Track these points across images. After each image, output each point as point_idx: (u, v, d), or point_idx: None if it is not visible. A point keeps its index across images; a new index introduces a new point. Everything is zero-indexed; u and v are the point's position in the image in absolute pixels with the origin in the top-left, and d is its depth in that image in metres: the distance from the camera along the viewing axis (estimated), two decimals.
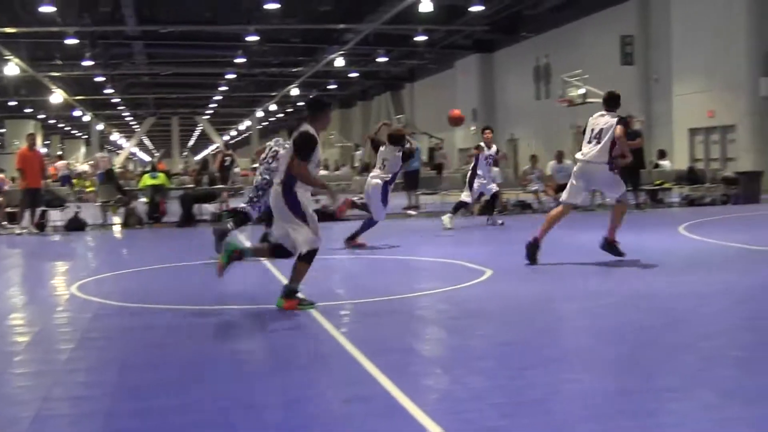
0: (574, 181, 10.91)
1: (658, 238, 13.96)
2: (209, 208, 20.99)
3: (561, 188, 21.61)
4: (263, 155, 13.03)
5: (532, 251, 10.61)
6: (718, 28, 33.46)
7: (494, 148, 17.80)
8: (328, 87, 62.39)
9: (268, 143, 13.45)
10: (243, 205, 12.59)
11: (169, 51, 44.62)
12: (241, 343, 6.83)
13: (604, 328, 6.86)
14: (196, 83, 58.28)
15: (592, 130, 10.68)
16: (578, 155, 10.93)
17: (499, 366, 5.70)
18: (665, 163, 24.98)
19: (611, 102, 10.91)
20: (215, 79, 55.03)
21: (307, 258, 7.75)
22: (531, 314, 7.50)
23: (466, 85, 54.25)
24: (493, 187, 17.60)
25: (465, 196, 17.37)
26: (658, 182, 23.08)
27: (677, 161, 27.50)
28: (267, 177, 12.19)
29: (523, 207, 22.01)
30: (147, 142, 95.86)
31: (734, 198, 21.86)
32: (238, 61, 42.82)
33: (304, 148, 7.82)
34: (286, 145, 9.54)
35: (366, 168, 42.00)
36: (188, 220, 19.87)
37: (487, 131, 18.01)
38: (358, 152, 42.90)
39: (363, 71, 56.90)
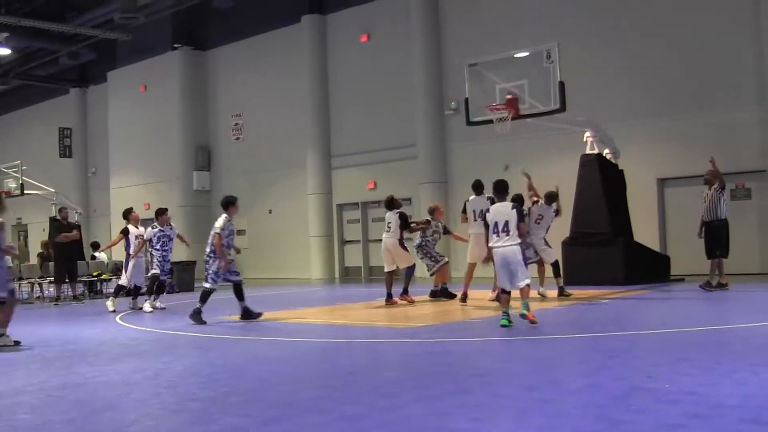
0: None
1: (96, 329, 13.79)
2: None
3: None
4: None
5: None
6: (153, 125, 34.62)
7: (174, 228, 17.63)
8: None
9: None
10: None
11: None
12: None
13: (26, 422, 6.57)
14: None
15: (496, 222, 11.28)
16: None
17: None
18: (102, 255, 24.74)
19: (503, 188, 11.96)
20: None
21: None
22: None
23: None
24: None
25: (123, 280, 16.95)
26: (96, 273, 22.96)
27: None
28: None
29: None
30: None
31: (170, 286, 22.37)
32: None
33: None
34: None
35: None
36: None
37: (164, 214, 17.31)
38: None
39: None
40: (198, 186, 33.47)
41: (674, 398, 6.21)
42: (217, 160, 34.41)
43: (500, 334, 11.05)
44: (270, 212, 32.11)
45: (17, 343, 11.09)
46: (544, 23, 23.74)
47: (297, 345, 10.93)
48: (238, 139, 33.50)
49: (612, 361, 8.34)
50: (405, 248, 16.07)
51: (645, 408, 5.98)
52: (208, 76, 34.79)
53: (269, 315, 14.45)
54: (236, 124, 33.46)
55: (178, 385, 8.01)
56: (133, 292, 17.37)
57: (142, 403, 7.18)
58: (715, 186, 16.00)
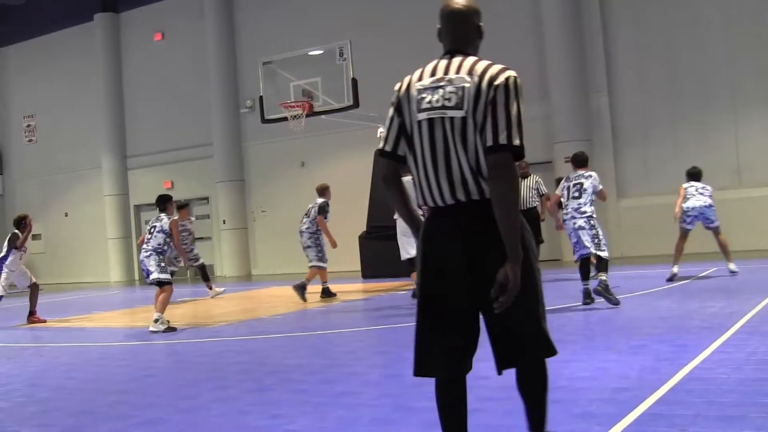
0: None
1: None
2: None
3: None
4: None
5: None
6: None
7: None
8: None
9: None
10: None
11: None
12: None
13: None
14: None
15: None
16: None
17: None
18: None
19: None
20: None
21: None
22: None
23: None
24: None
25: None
26: None
27: None
28: None
29: None
30: None
31: None
32: None
33: None
34: None
35: None
36: None
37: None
38: None
39: None
40: None
41: (469, 384, 6.27)
42: (9, 164, 32.73)
43: (298, 329, 10.99)
44: (66, 215, 30.83)
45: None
46: (336, 21, 23.84)
47: (96, 350, 10.48)
48: (31, 140, 31.97)
49: (408, 352, 8.36)
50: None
51: None
52: None
53: (55, 322, 13.79)
54: (29, 126, 31.91)
55: None
56: None
57: None
58: (529, 177, 16.43)
